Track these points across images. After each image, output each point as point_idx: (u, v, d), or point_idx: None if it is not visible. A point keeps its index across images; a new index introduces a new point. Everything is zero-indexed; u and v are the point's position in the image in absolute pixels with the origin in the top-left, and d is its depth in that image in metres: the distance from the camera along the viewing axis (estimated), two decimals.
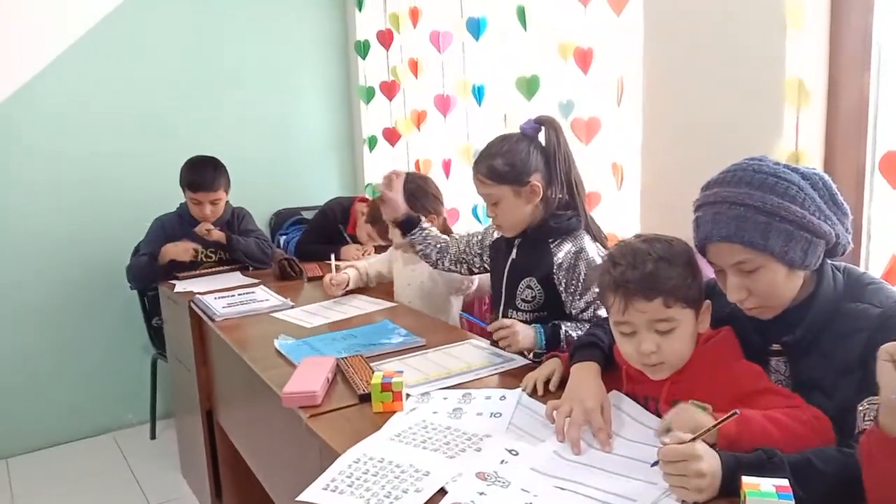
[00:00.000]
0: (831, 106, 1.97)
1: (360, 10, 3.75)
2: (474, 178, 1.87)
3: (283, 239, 3.54)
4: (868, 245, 1.93)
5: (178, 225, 3.03)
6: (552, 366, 1.57)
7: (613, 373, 1.45)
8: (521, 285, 1.86)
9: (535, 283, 1.83)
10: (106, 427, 3.51)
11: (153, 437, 3.46)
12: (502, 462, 1.25)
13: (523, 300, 1.85)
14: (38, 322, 3.31)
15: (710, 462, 1.08)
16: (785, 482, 1.02)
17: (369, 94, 3.76)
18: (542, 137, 1.87)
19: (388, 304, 2.36)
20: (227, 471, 2.63)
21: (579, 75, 2.51)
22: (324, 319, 2.22)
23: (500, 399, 1.51)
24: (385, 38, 3.58)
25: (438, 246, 2.15)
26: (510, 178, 1.79)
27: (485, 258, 2.09)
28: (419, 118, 3.47)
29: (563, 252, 1.82)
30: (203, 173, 2.95)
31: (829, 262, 1.31)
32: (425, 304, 2.38)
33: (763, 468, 1.07)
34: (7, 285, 3.22)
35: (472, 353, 1.85)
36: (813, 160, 1.96)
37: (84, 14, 3.24)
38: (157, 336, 3.25)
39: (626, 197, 2.45)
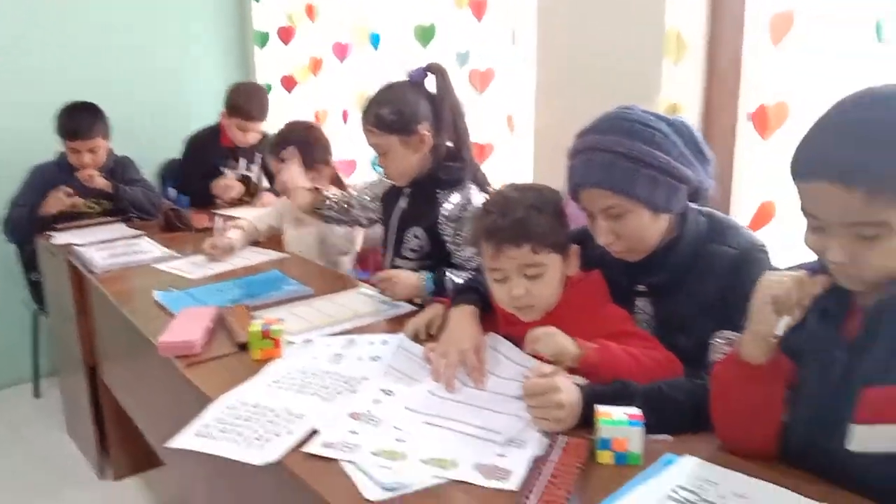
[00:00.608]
0: (710, 61, 2.05)
1: None
2: (363, 128, 1.84)
3: (171, 191, 3.40)
4: (739, 192, 2.04)
5: (57, 174, 2.86)
6: (434, 311, 1.59)
7: (493, 316, 1.49)
8: (407, 234, 1.86)
9: (422, 232, 1.83)
10: None
11: (37, 395, 3.30)
12: (376, 402, 1.26)
13: (410, 249, 1.86)
14: None
15: (568, 394, 1.13)
16: (637, 411, 1.08)
17: (264, 39, 3.63)
18: (431, 85, 1.85)
19: (278, 255, 2.31)
20: (114, 428, 2.55)
21: (474, 23, 2.50)
22: (210, 271, 2.16)
23: (382, 343, 1.52)
24: None
25: (357, 207, 2.13)
26: (398, 127, 1.77)
27: (378, 208, 2.08)
28: (316, 65, 3.39)
29: (450, 203, 1.83)
30: (79, 120, 2.78)
31: (692, 206, 1.37)
32: (318, 259, 2.35)
33: (618, 398, 1.13)
34: None
35: (360, 300, 1.85)
36: (691, 111, 2.04)
37: None
38: (36, 291, 3.08)
39: (519, 147, 2.48)
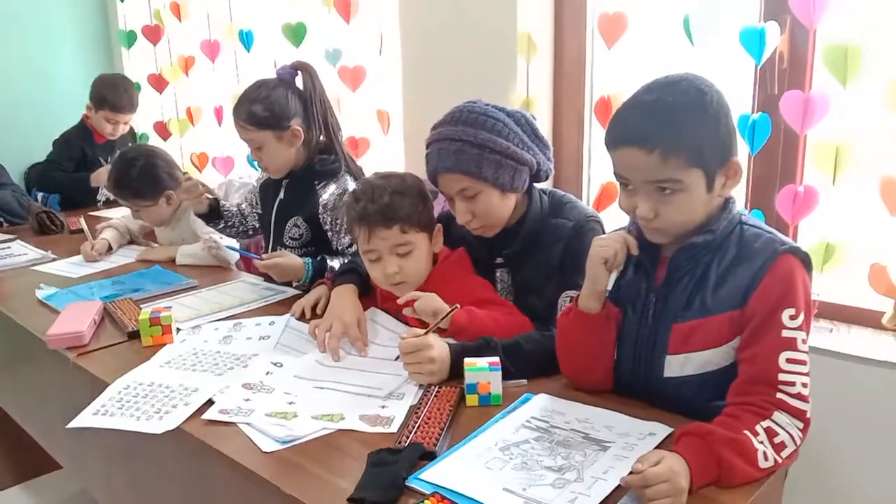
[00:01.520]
0: (557, 59, 2.29)
1: None
2: (235, 123, 1.92)
3: (41, 195, 3.31)
4: (589, 174, 2.29)
5: None
6: (319, 292, 1.72)
7: (372, 296, 1.63)
8: (288, 223, 1.96)
9: (302, 221, 1.94)
10: None
11: None
12: (267, 373, 1.38)
13: (291, 238, 1.96)
14: None
15: (439, 350, 1.30)
16: (496, 359, 1.26)
17: (130, 39, 3.58)
18: (299, 82, 1.96)
19: None
20: None
21: (343, 25, 2.62)
22: (91, 269, 2.17)
23: (270, 324, 1.63)
24: None
25: (240, 218, 2.16)
26: (270, 122, 1.86)
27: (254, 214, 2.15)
28: (187, 64, 3.39)
29: (327, 193, 1.93)
30: None
31: (536, 186, 1.58)
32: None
33: (483, 351, 1.31)
34: None
35: (244, 288, 1.94)
36: (542, 104, 2.27)
37: None
38: None
39: (393, 141, 2.63)
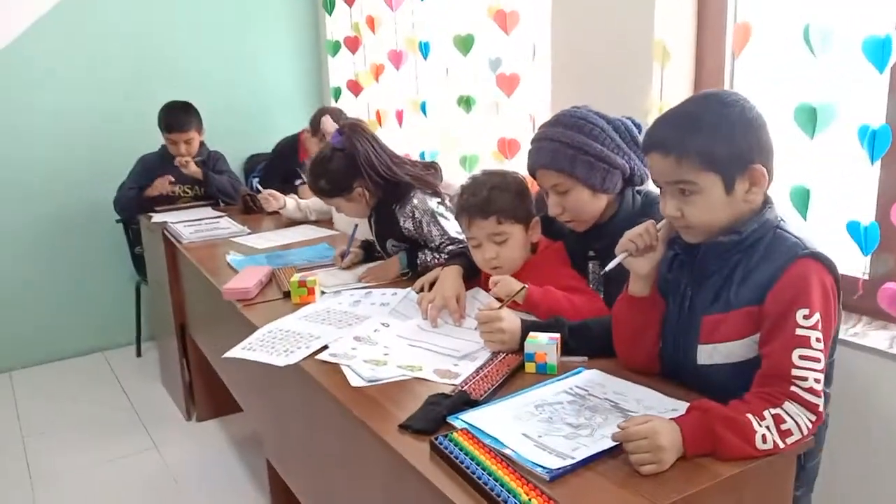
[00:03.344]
0: (698, 66, 2.35)
1: None
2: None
3: (255, 181, 3.92)
4: None
5: (159, 163, 3.43)
6: (437, 272, 1.97)
7: (479, 277, 1.86)
8: (387, 244, 2.26)
9: (395, 241, 2.22)
10: (98, 346, 3.95)
11: (139, 354, 3.89)
12: (375, 330, 1.67)
13: (393, 247, 2.25)
14: (43, 254, 3.73)
15: (510, 322, 1.50)
16: (556, 335, 1.44)
17: (335, 48, 4.10)
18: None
19: (329, 232, 2.77)
20: (198, 378, 3.06)
21: (503, 36, 2.86)
22: (272, 243, 2.64)
23: (392, 294, 1.92)
24: None
25: None
26: (337, 192, 2.16)
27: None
28: (377, 71, 3.82)
29: (403, 217, 2.16)
30: (176, 115, 3.35)
31: (632, 188, 1.71)
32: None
33: (551, 329, 1.49)
34: (18, 222, 3.65)
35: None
36: None
37: None
38: (139, 263, 3.66)
39: None
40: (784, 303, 1.16)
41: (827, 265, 1.18)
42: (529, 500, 0.99)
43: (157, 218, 3.15)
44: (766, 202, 1.27)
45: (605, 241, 1.68)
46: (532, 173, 1.70)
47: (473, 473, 1.06)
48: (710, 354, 1.27)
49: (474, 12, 3.04)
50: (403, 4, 3.50)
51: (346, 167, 2.13)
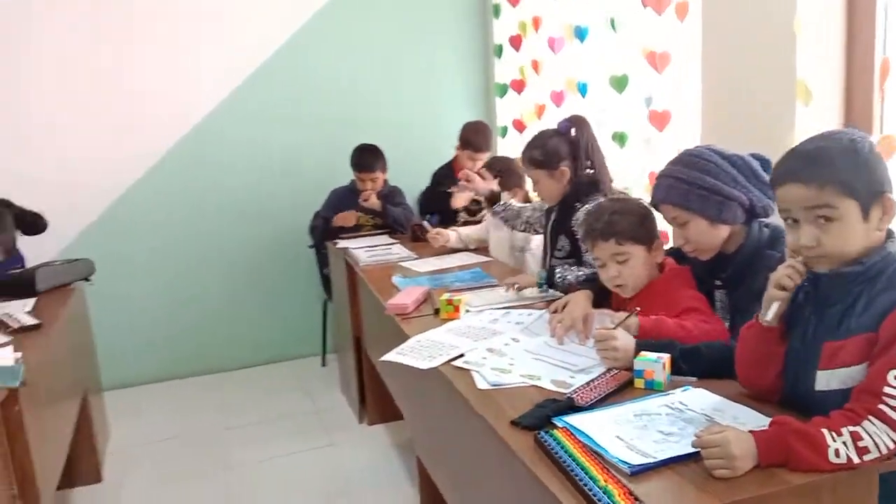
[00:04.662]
0: (848, 105, 2.34)
1: (496, 17, 4.41)
2: (521, 162, 2.49)
3: (432, 219, 4.28)
4: None
5: (347, 195, 3.92)
6: (571, 296, 2.16)
7: (609, 300, 2.03)
8: (558, 240, 2.45)
9: (565, 237, 2.41)
10: (289, 356, 4.50)
11: (323, 364, 4.39)
12: (506, 344, 1.89)
13: (557, 250, 2.45)
14: (248, 272, 4.38)
15: (624, 341, 1.65)
16: (666, 355, 1.57)
17: (503, 90, 4.42)
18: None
19: (483, 259, 3.04)
20: (370, 385, 3.43)
21: (655, 75, 2.99)
22: (434, 267, 2.95)
23: (528, 315, 2.13)
24: (516, 42, 4.22)
25: (512, 212, 2.81)
26: (543, 164, 2.40)
27: (541, 219, 2.70)
28: (540, 110, 4.07)
29: (579, 212, 2.36)
30: (365, 157, 3.83)
31: (758, 221, 1.79)
32: (509, 260, 3.05)
33: (664, 349, 1.62)
34: (232, 243, 4.31)
35: (528, 290, 2.47)
36: None
37: (271, 36, 4.20)
38: (326, 284, 4.17)
39: None
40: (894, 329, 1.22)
41: None
42: (606, 485, 1.16)
43: (341, 244, 3.60)
44: (889, 235, 1.33)
45: (729, 272, 1.79)
46: (655, 207, 1.84)
47: (564, 463, 1.24)
48: (827, 380, 1.33)
49: (629, 53, 3.20)
50: (564, 48, 3.72)
51: (560, 146, 2.41)
